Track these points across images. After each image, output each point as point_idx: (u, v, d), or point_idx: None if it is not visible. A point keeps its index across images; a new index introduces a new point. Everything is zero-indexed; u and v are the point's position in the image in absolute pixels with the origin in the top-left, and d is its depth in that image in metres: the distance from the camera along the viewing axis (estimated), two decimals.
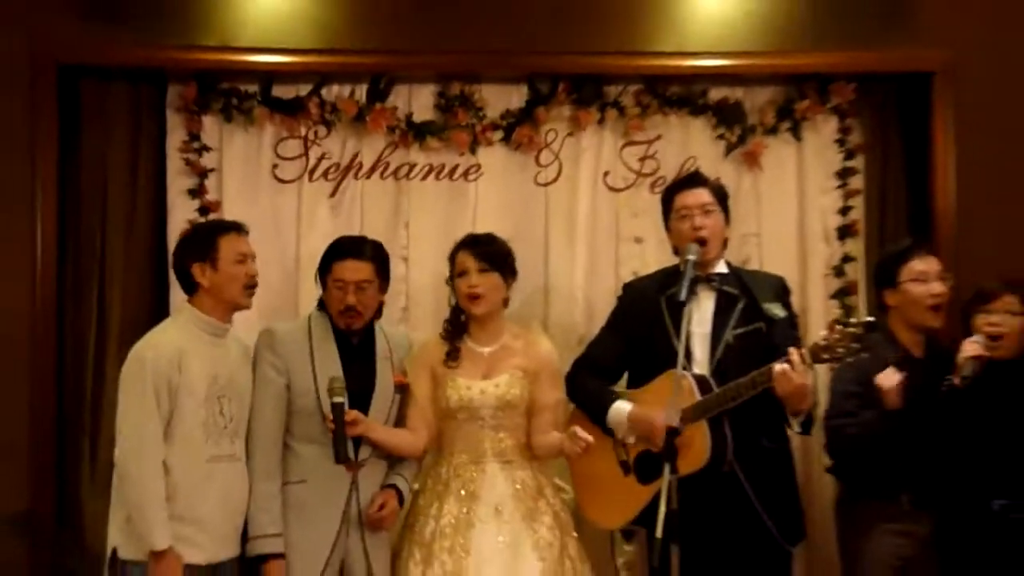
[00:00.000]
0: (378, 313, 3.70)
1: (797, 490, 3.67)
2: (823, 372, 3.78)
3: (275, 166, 4.30)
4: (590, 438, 3.38)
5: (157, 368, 3.27)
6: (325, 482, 3.50)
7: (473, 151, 4.32)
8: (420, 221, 4.31)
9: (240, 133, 4.28)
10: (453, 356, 3.65)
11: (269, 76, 4.26)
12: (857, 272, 4.33)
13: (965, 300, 3.69)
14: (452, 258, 3.70)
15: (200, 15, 4.21)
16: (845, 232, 4.35)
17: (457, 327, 3.70)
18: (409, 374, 3.67)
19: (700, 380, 3.45)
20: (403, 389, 3.66)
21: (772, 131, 4.35)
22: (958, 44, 4.23)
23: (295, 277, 4.24)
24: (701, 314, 3.55)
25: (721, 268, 3.64)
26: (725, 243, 3.68)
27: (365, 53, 4.23)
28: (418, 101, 4.33)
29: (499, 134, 4.32)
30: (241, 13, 4.22)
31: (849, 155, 4.36)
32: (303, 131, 4.29)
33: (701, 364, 3.51)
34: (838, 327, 3.29)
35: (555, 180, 4.35)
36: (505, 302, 3.71)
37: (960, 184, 4.24)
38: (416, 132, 4.29)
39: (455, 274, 3.68)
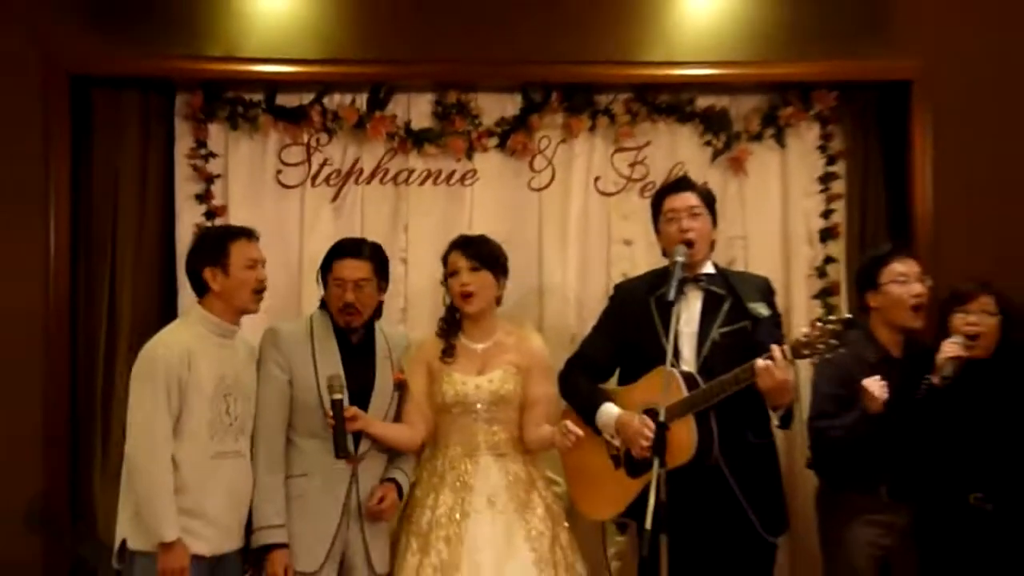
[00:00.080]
0: (378, 313, 3.73)
1: (781, 484, 3.68)
2: (805, 369, 3.83)
3: (279, 172, 4.34)
4: (580, 432, 3.39)
5: (168, 366, 3.31)
6: (326, 475, 3.53)
7: (469, 157, 4.35)
8: (418, 224, 4.34)
9: (245, 140, 4.32)
10: (449, 353, 3.69)
11: (273, 85, 4.29)
12: (839, 273, 4.36)
13: (942, 300, 3.71)
14: (445, 259, 3.74)
15: (207, 27, 4.25)
16: (827, 235, 4.39)
17: (452, 325, 3.72)
18: (406, 370, 3.70)
19: (687, 377, 3.46)
20: (402, 386, 3.70)
21: (757, 137, 4.39)
22: (935, 54, 4.26)
23: (298, 279, 4.27)
24: (689, 313, 3.56)
25: (708, 269, 3.66)
26: (712, 245, 3.69)
27: (365, 63, 4.27)
28: (416, 109, 4.36)
29: (494, 141, 4.36)
30: (246, 25, 4.26)
31: (831, 160, 4.40)
32: (306, 138, 4.33)
33: (689, 362, 3.52)
34: (818, 324, 3.30)
35: (548, 185, 4.39)
36: (498, 300, 3.74)
37: (937, 188, 4.27)
38: (414, 139, 4.33)
39: (448, 274, 3.71)
